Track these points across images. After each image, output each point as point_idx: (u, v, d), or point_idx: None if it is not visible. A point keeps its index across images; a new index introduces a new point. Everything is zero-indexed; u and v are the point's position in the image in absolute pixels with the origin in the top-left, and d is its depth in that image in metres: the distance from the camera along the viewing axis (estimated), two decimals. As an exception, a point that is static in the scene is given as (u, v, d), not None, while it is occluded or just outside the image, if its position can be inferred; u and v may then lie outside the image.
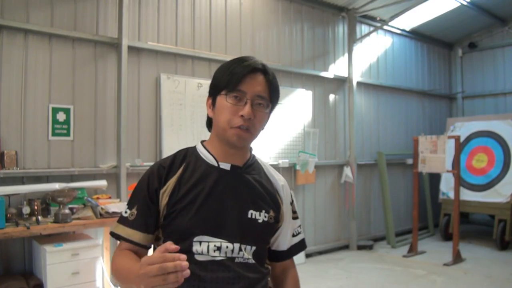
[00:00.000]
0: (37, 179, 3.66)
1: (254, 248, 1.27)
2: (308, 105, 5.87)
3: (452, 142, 5.80)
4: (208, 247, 1.21)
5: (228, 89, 1.23)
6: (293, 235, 1.42)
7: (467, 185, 6.51)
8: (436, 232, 7.08)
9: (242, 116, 1.21)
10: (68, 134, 3.87)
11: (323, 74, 6.07)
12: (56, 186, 3.47)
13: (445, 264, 5.38)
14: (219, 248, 1.22)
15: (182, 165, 1.29)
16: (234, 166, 1.30)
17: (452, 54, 8.66)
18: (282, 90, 5.61)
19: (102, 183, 3.82)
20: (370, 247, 6.27)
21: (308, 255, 5.68)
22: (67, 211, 3.35)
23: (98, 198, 3.80)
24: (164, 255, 0.94)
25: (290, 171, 5.62)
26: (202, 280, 1.20)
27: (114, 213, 3.46)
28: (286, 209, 1.38)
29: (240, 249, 1.24)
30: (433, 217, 7.29)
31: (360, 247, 6.25)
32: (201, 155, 1.32)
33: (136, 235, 1.24)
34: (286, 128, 5.55)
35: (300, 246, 1.45)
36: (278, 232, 1.38)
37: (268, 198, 1.32)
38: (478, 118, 7.08)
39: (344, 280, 4.87)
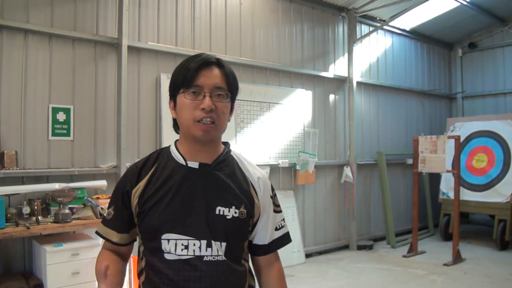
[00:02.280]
0: (37, 179, 3.66)
1: (224, 244, 1.26)
2: (308, 105, 5.87)
3: (452, 142, 5.80)
4: (175, 245, 1.23)
5: (185, 86, 1.24)
6: (276, 229, 1.40)
7: (467, 185, 6.51)
8: (436, 232, 7.08)
9: (203, 109, 1.22)
10: (68, 134, 3.88)
11: (323, 74, 6.07)
12: (56, 186, 3.47)
13: (445, 264, 5.38)
14: (186, 247, 1.23)
15: (154, 165, 1.32)
16: (203, 164, 1.30)
17: (452, 54, 8.67)
18: (282, 90, 5.57)
19: (102, 183, 3.82)
20: (370, 247, 6.27)
21: (308, 255, 5.68)
22: (67, 211, 3.35)
23: (98, 198, 3.80)
24: None
25: (290, 171, 5.63)
26: (170, 279, 1.23)
27: (114, 213, 3.45)
28: (263, 203, 1.36)
29: (208, 246, 1.24)
30: (433, 217, 7.29)
31: (360, 247, 6.25)
32: (172, 154, 1.33)
33: (112, 234, 1.32)
34: (286, 128, 5.55)
35: (283, 240, 1.42)
36: (256, 226, 1.36)
37: (239, 193, 1.31)
38: (478, 118, 7.08)
39: (344, 280, 4.87)
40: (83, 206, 3.65)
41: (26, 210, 3.33)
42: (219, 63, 1.29)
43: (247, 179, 1.36)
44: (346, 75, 6.36)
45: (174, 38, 4.61)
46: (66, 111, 3.87)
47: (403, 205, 7.29)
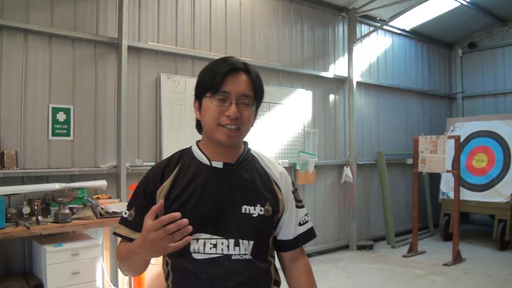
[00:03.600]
0: (37, 179, 3.66)
1: (252, 242, 1.28)
2: (308, 105, 5.87)
3: (452, 142, 5.80)
4: (204, 244, 1.25)
5: (212, 91, 1.25)
6: (300, 224, 1.42)
7: (467, 185, 6.51)
8: (436, 232, 7.07)
9: (228, 116, 1.23)
10: (68, 134, 3.88)
11: (323, 74, 6.07)
12: (56, 186, 3.47)
13: (445, 264, 5.38)
14: (215, 245, 1.25)
15: (177, 166, 1.33)
16: (226, 163, 1.32)
17: (452, 54, 8.66)
18: (282, 90, 5.58)
19: (102, 183, 3.82)
20: (370, 247, 6.27)
21: (308, 255, 5.62)
22: (67, 211, 3.35)
23: (98, 198, 3.80)
24: (161, 219, 1.06)
25: (290, 171, 5.62)
26: (199, 278, 1.24)
27: (114, 213, 3.46)
28: (286, 198, 1.39)
29: (236, 245, 1.26)
30: (433, 217, 7.29)
31: (360, 247, 6.25)
32: (195, 155, 1.35)
33: (134, 235, 1.28)
34: (286, 128, 5.55)
35: (308, 235, 1.44)
36: (281, 222, 1.38)
37: (263, 191, 1.33)
38: (478, 118, 7.08)
39: (344, 280, 4.87)
40: (83, 206, 3.64)
41: (26, 210, 3.33)
42: (247, 69, 1.30)
43: (269, 176, 1.38)
44: (346, 75, 6.36)
45: (174, 38, 4.61)
46: (66, 111, 3.87)
47: (403, 205, 7.28)
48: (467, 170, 6.61)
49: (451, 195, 6.18)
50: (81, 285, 3.25)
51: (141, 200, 1.31)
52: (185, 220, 1.06)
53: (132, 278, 3.58)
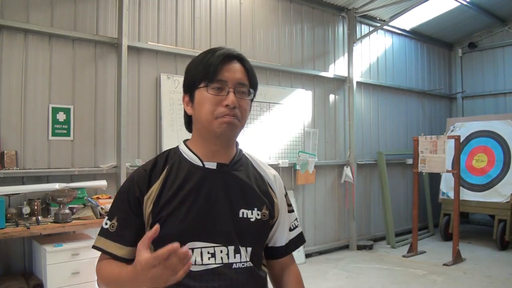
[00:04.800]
0: (37, 179, 3.66)
1: (250, 249, 1.19)
2: (308, 105, 5.87)
3: (452, 142, 5.80)
4: (201, 254, 1.14)
5: (207, 80, 1.15)
6: (290, 229, 1.34)
7: (467, 185, 6.51)
8: (436, 232, 7.07)
9: (227, 105, 1.14)
10: (68, 134, 3.88)
11: (323, 74, 6.07)
12: (56, 186, 3.46)
13: (445, 264, 5.38)
14: (213, 255, 1.14)
15: (165, 168, 1.20)
16: (220, 164, 1.21)
17: (452, 54, 8.66)
18: (282, 90, 5.56)
19: (102, 183, 3.82)
20: (370, 247, 6.27)
21: (308, 255, 5.68)
22: (67, 211, 3.35)
23: (98, 198, 3.80)
24: (158, 256, 0.92)
25: (290, 171, 5.63)
26: None
27: (114, 213, 3.45)
28: (280, 203, 1.30)
29: (236, 252, 1.16)
30: (433, 217, 7.29)
31: (360, 247, 6.25)
32: (185, 155, 1.23)
33: (117, 248, 1.15)
34: (286, 128, 5.56)
35: (298, 240, 1.37)
36: (274, 227, 1.30)
37: (259, 194, 1.24)
38: (478, 118, 7.08)
39: (344, 280, 4.87)
40: (83, 206, 3.64)
41: (26, 210, 3.33)
42: (241, 58, 1.21)
43: (264, 179, 1.29)
44: (346, 75, 6.36)
45: (174, 38, 4.61)
46: (66, 111, 3.87)
47: (403, 205, 7.29)
48: (467, 170, 6.61)
49: (451, 195, 6.18)
50: (81, 285, 3.26)
51: (125, 208, 1.17)
52: (186, 250, 0.93)
53: None
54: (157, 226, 0.97)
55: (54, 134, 3.80)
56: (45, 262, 3.15)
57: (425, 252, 6.01)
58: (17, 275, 3.39)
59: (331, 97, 6.29)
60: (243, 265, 1.17)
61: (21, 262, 3.56)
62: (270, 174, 1.32)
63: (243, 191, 1.22)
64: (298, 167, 5.60)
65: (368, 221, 6.76)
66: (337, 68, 6.35)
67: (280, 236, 1.32)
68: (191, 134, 1.28)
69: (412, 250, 5.92)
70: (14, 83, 3.62)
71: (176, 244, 0.93)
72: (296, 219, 1.38)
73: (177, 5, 4.63)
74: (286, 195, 1.35)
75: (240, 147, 1.32)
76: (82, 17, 3.99)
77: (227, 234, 1.16)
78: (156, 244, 1.06)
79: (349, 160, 6.31)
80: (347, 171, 6.18)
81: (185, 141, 1.28)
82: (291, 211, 1.36)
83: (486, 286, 4.62)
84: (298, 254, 5.36)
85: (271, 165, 5.27)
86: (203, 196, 1.17)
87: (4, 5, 3.57)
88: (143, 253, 0.95)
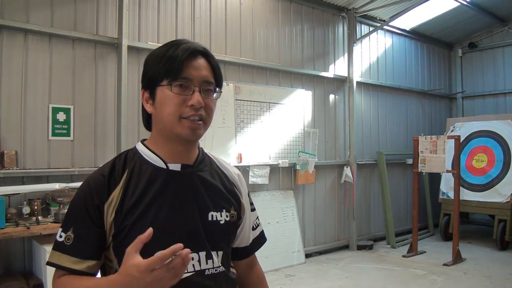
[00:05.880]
0: (37, 179, 3.66)
1: (221, 253, 1.14)
2: (308, 105, 5.87)
3: (452, 142, 5.80)
4: None
5: (170, 78, 1.07)
6: (253, 228, 1.30)
7: (467, 185, 6.51)
8: (436, 232, 7.07)
9: (192, 106, 1.06)
10: (68, 134, 3.88)
11: (323, 74, 6.07)
12: (56, 186, 3.47)
13: (445, 264, 5.38)
14: None
15: (125, 171, 1.12)
16: (185, 165, 1.14)
17: (452, 54, 8.67)
18: (282, 90, 5.56)
19: (102, 183, 3.81)
20: (370, 247, 6.27)
21: (308, 255, 5.68)
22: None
23: (98, 198, 3.79)
24: (162, 256, 0.88)
25: (290, 171, 5.63)
26: None
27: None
28: (245, 202, 1.26)
29: (208, 258, 1.10)
30: (433, 217, 7.29)
31: (360, 247, 6.25)
32: (145, 157, 1.14)
33: (74, 263, 1.03)
34: (286, 128, 5.56)
35: (261, 239, 1.33)
36: (240, 228, 1.25)
37: (226, 194, 1.19)
38: (478, 118, 7.09)
39: (344, 280, 4.87)
40: (83, 206, 3.64)
41: (26, 210, 3.33)
42: (206, 53, 1.14)
43: (229, 178, 1.24)
44: (346, 75, 6.36)
45: (174, 38, 4.56)
46: (66, 111, 3.87)
47: (403, 205, 7.29)
48: (467, 170, 6.62)
49: (451, 195, 6.18)
50: (81, 285, 3.25)
51: (83, 218, 1.05)
52: (188, 250, 0.89)
53: None
54: (151, 229, 0.92)
55: (54, 134, 3.80)
56: (45, 262, 3.15)
57: (425, 252, 6.01)
58: (17, 275, 3.39)
59: (331, 97, 6.29)
60: (216, 270, 1.12)
61: (21, 262, 3.56)
62: (234, 173, 1.27)
63: (210, 193, 1.15)
64: (298, 167, 5.60)
65: (368, 221, 6.76)
66: (337, 68, 6.35)
67: (245, 236, 1.28)
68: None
69: (412, 250, 5.92)
70: (14, 83, 3.63)
71: (180, 244, 0.89)
72: (257, 217, 1.34)
73: (177, 5, 4.64)
74: (248, 193, 1.31)
75: (201, 146, 1.24)
76: (82, 17, 3.99)
77: (198, 240, 1.09)
78: (121, 256, 0.97)
79: (349, 160, 6.31)
80: (347, 171, 6.18)
81: (142, 141, 1.20)
82: (253, 209, 1.32)
83: (486, 286, 4.63)
84: (298, 254, 5.37)
85: (271, 165, 5.31)
86: (169, 201, 1.09)
87: (4, 5, 3.57)
88: (137, 257, 0.90)
